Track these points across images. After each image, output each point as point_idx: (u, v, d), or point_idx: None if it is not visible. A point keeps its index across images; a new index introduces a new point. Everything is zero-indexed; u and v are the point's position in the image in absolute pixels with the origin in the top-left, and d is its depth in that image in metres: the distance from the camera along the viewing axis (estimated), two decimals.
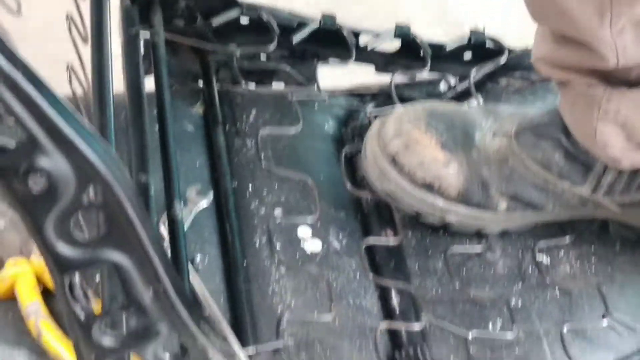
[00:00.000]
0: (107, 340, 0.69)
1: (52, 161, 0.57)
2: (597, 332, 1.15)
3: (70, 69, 0.97)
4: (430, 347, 1.11)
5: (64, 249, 0.62)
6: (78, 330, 0.67)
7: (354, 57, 1.32)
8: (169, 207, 1.05)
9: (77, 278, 0.65)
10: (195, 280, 1.07)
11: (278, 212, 1.18)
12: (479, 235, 1.21)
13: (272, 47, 1.26)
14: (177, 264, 1.01)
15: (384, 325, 1.10)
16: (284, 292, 1.12)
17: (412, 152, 1.14)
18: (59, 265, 0.63)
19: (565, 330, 1.13)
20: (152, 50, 1.20)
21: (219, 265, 1.12)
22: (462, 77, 1.37)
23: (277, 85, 1.36)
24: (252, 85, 1.32)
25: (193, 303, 0.72)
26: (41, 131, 0.56)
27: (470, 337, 1.10)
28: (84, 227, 0.67)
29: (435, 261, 1.19)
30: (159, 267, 0.65)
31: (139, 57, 1.14)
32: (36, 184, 0.58)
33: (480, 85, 1.36)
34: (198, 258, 1.12)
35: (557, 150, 1.13)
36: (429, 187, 1.14)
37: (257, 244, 1.16)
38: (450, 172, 1.14)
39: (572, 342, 1.13)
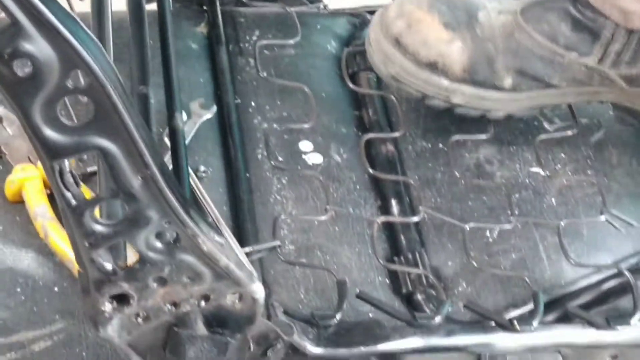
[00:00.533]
0: (99, 227, 0.72)
1: (36, 46, 0.60)
2: (595, 233, 1.18)
3: None
4: (428, 252, 1.14)
5: (52, 135, 0.65)
6: (70, 216, 0.71)
7: None
8: (170, 118, 1.08)
9: (67, 165, 0.68)
10: (198, 189, 1.11)
11: (280, 126, 1.21)
12: (482, 121, 1.22)
13: None
14: (178, 171, 1.05)
15: (381, 219, 1.12)
16: (285, 201, 1.16)
17: (415, 31, 1.15)
18: (48, 151, 0.66)
19: (562, 225, 1.14)
20: None
21: (222, 176, 1.16)
22: None
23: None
24: (255, 5, 1.35)
25: (182, 192, 0.75)
26: (24, 16, 0.59)
27: (467, 228, 1.12)
28: (73, 115, 0.70)
29: (435, 171, 1.22)
30: (145, 153, 0.68)
31: None
32: (21, 68, 0.61)
33: None
34: (202, 168, 1.15)
35: (564, 20, 1.13)
36: (433, 66, 1.15)
37: (260, 157, 1.19)
38: (454, 50, 1.15)
39: (570, 247, 1.15)
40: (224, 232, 1.04)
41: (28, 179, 1.06)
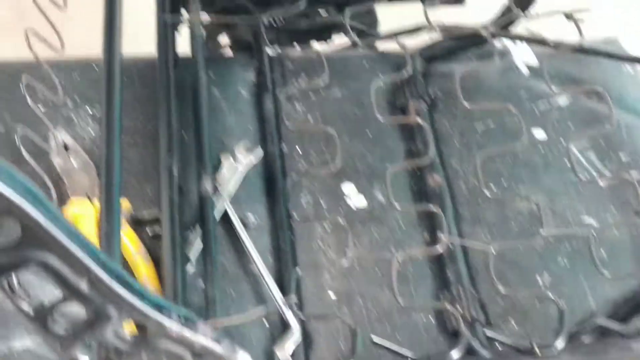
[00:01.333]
0: (63, 330, 0.76)
1: None
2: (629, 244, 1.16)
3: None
4: (477, 288, 1.13)
5: None
6: (34, 325, 0.75)
7: None
8: (199, 180, 1.12)
9: (14, 278, 0.73)
10: (244, 238, 1.14)
11: (324, 171, 1.22)
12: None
13: (302, 5, 1.27)
14: (206, 238, 1.08)
15: (400, 255, 1.09)
16: (327, 248, 1.16)
17: None
18: None
19: (594, 234, 1.10)
20: (190, 32, 1.26)
21: (268, 224, 1.18)
22: None
23: (339, 39, 1.39)
24: (305, 47, 1.37)
25: (135, 283, 0.77)
26: None
27: (493, 251, 1.07)
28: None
29: (486, 210, 1.21)
30: (83, 259, 0.71)
31: (170, 44, 1.22)
32: None
33: None
34: (251, 218, 1.17)
35: None
36: None
37: (304, 203, 1.20)
38: None
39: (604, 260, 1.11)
40: (267, 283, 1.07)
41: (82, 216, 1.09)
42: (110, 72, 1.09)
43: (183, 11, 1.30)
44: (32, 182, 0.70)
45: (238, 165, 1.19)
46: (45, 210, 0.69)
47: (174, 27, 1.25)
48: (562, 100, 1.30)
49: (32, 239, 0.69)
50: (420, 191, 1.22)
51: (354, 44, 1.27)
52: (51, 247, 0.70)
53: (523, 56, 1.35)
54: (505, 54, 1.36)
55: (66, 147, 1.19)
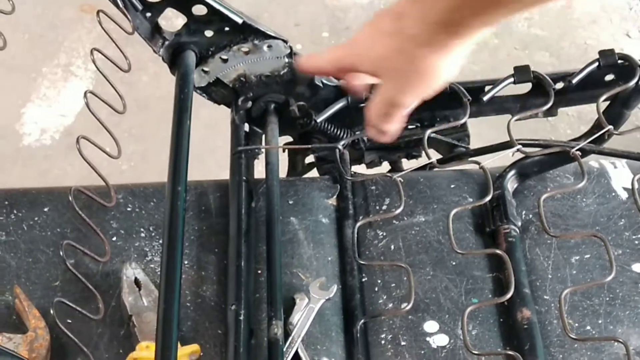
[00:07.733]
0: None
1: None
2: None
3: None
4: None
5: None
6: None
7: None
8: (269, 325, 1.07)
9: None
10: None
11: (405, 306, 1.15)
12: None
13: None
14: None
15: None
16: None
17: None
18: None
19: None
20: (266, 164, 1.23)
21: None
22: None
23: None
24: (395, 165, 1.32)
25: None
26: None
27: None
28: None
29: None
30: None
31: (244, 174, 1.19)
32: None
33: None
34: None
35: None
36: None
37: (383, 341, 1.14)
38: None
39: None
40: None
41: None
42: (174, 200, 1.07)
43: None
44: None
45: (312, 305, 1.14)
46: None
47: (250, 158, 1.22)
48: None
49: None
50: (510, 326, 1.14)
51: (433, 166, 1.21)
52: None
53: (621, 180, 1.26)
54: (602, 173, 1.28)
55: (138, 284, 1.16)
